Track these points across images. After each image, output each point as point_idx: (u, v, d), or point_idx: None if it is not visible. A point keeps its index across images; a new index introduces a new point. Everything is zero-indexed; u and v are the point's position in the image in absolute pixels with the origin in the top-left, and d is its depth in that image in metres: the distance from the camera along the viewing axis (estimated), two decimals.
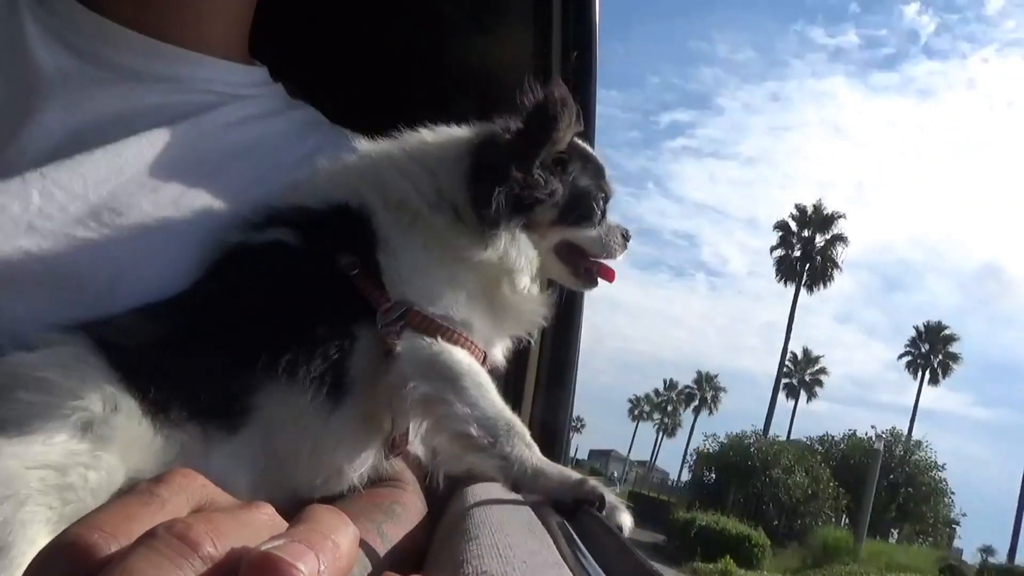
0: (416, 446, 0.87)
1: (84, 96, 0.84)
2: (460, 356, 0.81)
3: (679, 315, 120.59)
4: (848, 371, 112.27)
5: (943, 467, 28.46)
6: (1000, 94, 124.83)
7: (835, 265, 42.61)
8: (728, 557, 16.40)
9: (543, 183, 0.87)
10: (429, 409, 0.78)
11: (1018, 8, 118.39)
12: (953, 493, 28.02)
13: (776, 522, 23.67)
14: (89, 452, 0.60)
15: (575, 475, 0.79)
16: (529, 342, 1.23)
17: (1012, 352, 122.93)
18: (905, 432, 30.24)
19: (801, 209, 43.69)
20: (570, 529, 0.69)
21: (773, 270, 43.40)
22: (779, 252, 43.35)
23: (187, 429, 0.67)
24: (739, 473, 25.46)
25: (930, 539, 26.78)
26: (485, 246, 0.85)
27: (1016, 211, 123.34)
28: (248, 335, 0.73)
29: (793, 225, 43.30)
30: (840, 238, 42.75)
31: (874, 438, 26.61)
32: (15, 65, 0.83)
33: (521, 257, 0.87)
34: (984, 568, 17.87)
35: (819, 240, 42.71)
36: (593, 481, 0.79)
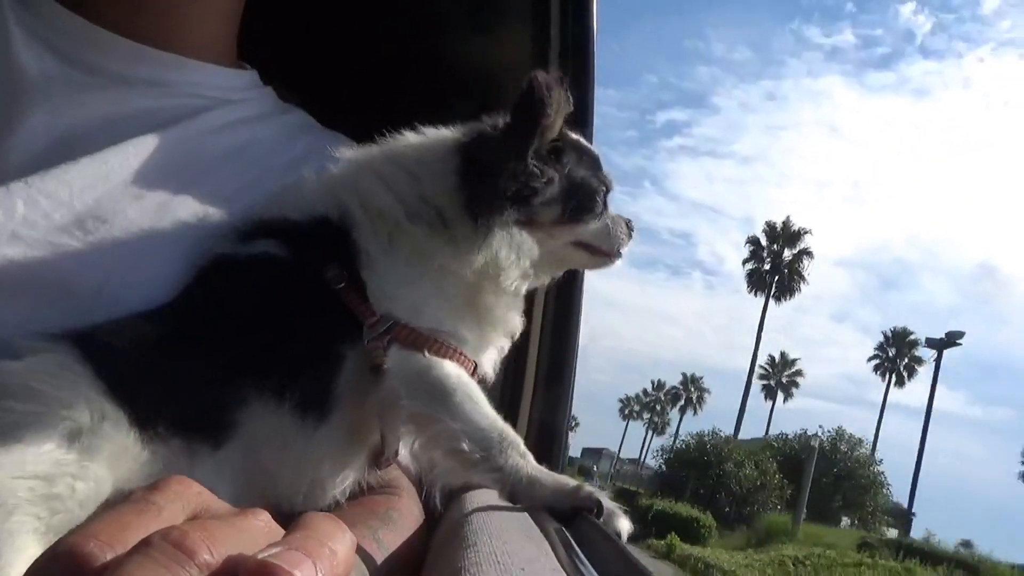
0: (405, 459, 0.87)
1: (70, 101, 0.83)
2: (449, 370, 0.80)
3: (676, 314, 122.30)
4: (844, 370, 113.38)
5: (880, 462, 32.80)
6: (996, 93, 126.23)
7: (801, 278, 46.43)
8: (673, 534, 19.83)
9: (539, 173, 0.85)
10: (421, 427, 0.78)
11: (1013, 8, 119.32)
12: (890, 485, 32.38)
13: (727, 508, 27.31)
14: (77, 462, 0.59)
15: (571, 482, 0.79)
16: (527, 342, 1.29)
17: (1007, 351, 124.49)
18: (849, 431, 34.37)
19: (771, 225, 47.54)
20: (568, 535, 0.69)
21: (744, 283, 47.29)
22: (750, 265, 47.29)
23: (171, 443, 0.67)
24: (697, 467, 29.38)
25: (871, 524, 30.66)
26: (474, 251, 0.83)
27: (1012, 211, 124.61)
28: (233, 348, 0.73)
29: (763, 240, 47.16)
30: (806, 252, 46.64)
31: (813, 437, 30.89)
32: None
33: (512, 254, 0.86)
34: (880, 542, 21.57)
35: (787, 254, 46.52)
36: (589, 487, 0.78)
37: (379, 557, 0.76)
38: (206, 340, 0.73)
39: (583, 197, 0.91)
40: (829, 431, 33.08)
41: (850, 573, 16.54)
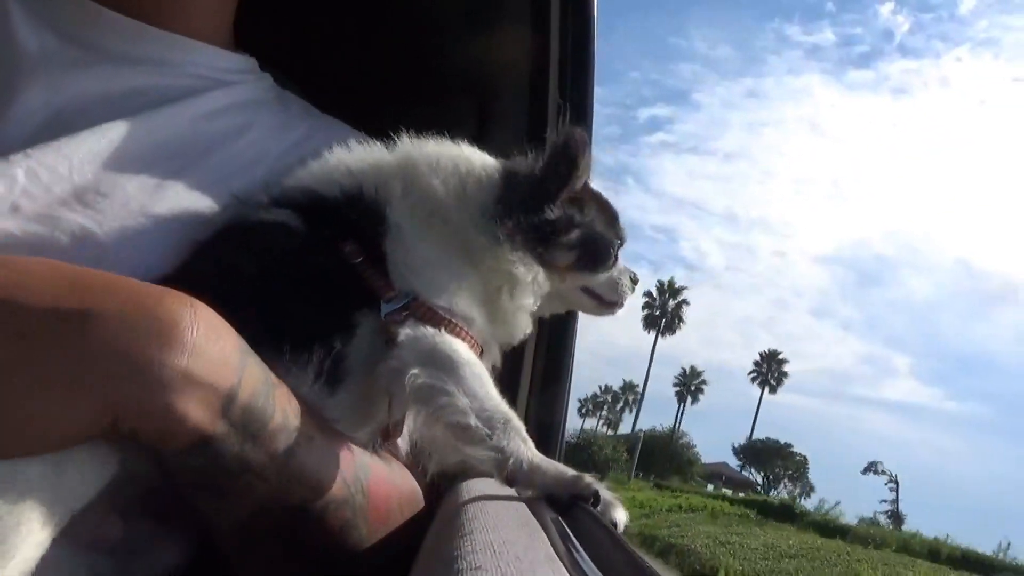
0: (404, 439, 0.88)
1: (68, 77, 0.84)
2: (460, 347, 0.81)
3: None
4: (824, 365, 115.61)
5: (695, 446, 55.36)
6: (973, 92, 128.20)
7: (681, 320, 66.51)
8: None
9: (560, 220, 0.92)
10: (428, 398, 0.78)
11: (990, 8, 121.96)
12: (702, 463, 53.77)
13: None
14: None
15: (570, 471, 0.79)
16: (524, 343, 1.23)
17: (982, 346, 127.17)
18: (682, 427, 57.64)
19: (661, 282, 68.15)
20: (564, 525, 0.69)
21: (641, 323, 67.49)
22: (646, 311, 67.17)
23: None
24: (574, 450, 50.06)
25: (690, 483, 51.79)
26: (502, 260, 0.89)
27: (988, 208, 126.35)
28: (248, 317, 0.71)
29: (655, 292, 67.26)
30: (685, 302, 66.80)
31: (641, 431, 52.76)
32: None
33: (529, 274, 0.91)
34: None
35: (671, 303, 66.47)
36: (588, 477, 0.78)
37: (355, 454, 0.77)
38: (218, 307, 0.71)
39: (598, 249, 0.98)
40: (665, 428, 55.44)
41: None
